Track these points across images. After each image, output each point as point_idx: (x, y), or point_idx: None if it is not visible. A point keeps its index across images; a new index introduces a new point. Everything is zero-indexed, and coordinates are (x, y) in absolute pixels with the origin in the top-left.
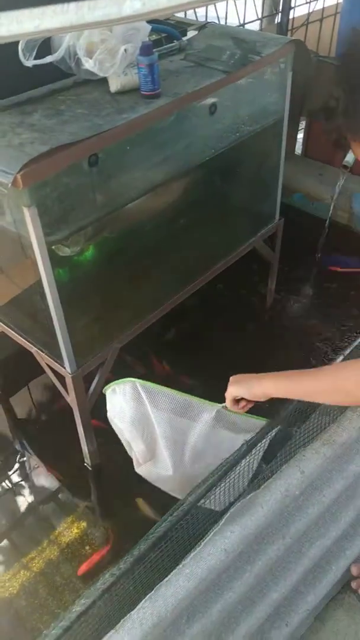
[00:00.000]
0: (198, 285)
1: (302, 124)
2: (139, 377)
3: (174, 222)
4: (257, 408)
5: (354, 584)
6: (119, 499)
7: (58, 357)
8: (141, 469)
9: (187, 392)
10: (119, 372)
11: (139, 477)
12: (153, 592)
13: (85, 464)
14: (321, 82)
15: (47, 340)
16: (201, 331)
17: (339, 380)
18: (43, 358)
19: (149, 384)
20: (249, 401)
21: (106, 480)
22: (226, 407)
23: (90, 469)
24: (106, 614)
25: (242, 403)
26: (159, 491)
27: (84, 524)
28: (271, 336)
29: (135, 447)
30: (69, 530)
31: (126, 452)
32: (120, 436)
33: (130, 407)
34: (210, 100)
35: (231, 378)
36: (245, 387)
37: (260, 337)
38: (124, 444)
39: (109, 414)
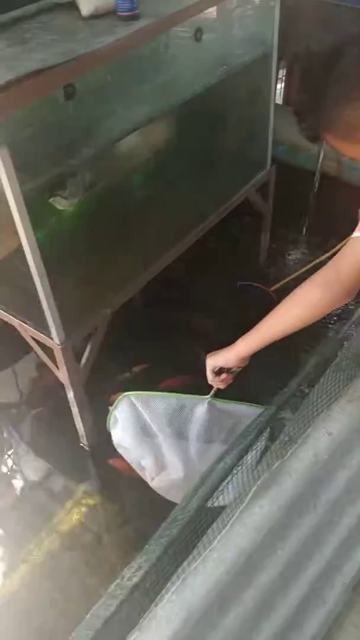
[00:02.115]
0: (191, 240)
1: (281, 72)
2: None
3: (162, 170)
4: None
5: None
6: (120, 479)
7: (44, 328)
8: (154, 482)
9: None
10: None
11: None
12: (180, 582)
13: (81, 445)
14: (303, 24)
15: (31, 310)
16: (193, 293)
17: (303, 301)
18: (27, 330)
19: (141, 393)
20: (228, 373)
21: (106, 461)
22: (213, 396)
23: (87, 449)
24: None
25: (222, 375)
26: None
27: (84, 510)
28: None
29: (144, 464)
30: (69, 517)
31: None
32: (129, 460)
33: (131, 423)
34: (196, 25)
35: (210, 355)
36: (219, 356)
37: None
38: (135, 468)
39: (115, 441)
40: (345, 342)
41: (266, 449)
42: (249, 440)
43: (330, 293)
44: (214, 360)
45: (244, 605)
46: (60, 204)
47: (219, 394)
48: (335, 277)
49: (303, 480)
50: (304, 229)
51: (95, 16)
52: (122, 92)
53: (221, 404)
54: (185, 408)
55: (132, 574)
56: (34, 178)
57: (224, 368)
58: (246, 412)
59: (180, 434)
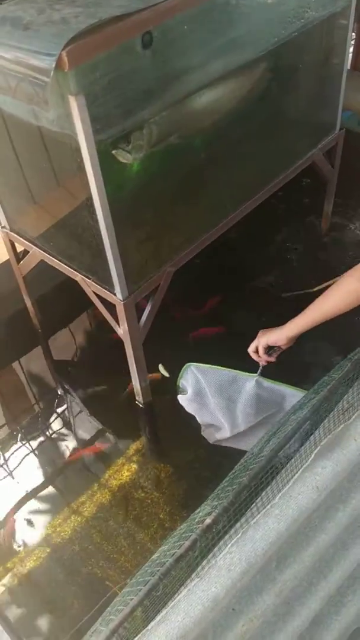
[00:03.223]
0: (257, 202)
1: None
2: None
3: (231, 129)
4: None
5: None
6: (172, 438)
7: (107, 283)
8: (205, 432)
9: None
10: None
11: (192, 415)
12: (240, 535)
13: (136, 402)
14: None
15: (95, 265)
16: (248, 260)
17: (341, 289)
18: (90, 286)
19: (200, 364)
20: (272, 353)
21: (158, 419)
22: (261, 375)
23: (142, 406)
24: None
25: (269, 356)
26: None
27: (135, 466)
28: (327, 266)
29: (199, 418)
30: (120, 473)
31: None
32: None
33: (192, 388)
34: None
35: (260, 333)
36: (271, 335)
37: (312, 267)
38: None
39: (180, 398)
40: None
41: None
42: (322, 395)
43: None
44: (267, 339)
45: (302, 562)
46: (124, 157)
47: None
48: None
49: None
50: None
51: None
52: (197, 44)
53: (267, 383)
54: (236, 382)
55: (202, 516)
56: (105, 129)
57: (271, 347)
58: (290, 393)
59: (229, 403)
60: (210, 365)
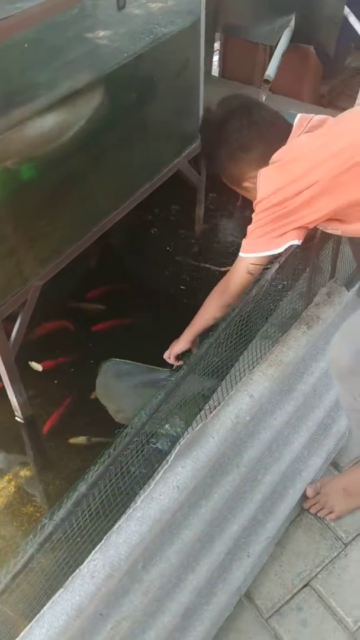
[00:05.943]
0: (122, 213)
1: (217, 45)
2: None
3: (91, 141)
4: None
5: (306, 505)
6: (56, 450)
7: None
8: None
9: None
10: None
11: (75, 425)
12: (103, 541)
13: (16, 418)
14: None
15: None
16: (127, 270)
17: (209, 303)
18: None
19: (122, 360)
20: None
21: (41, 431)
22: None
23: (22, 421)
24: (51, 571)
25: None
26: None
27: (21, 482)
28: (202, 269)
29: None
30: (6, 490)
31: (59, 401)
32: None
33: (105, 379)
34: None
35: (172, 344)
36: (176, 346)
37: (191, 270)
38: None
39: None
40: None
41: None
42: (161, 398)
43: (222, 300)
44: (178, 348)
45: (168, 560)
46: None
47: None
48: (224, 288)
49: (225, 441)
50: (237, 203)
51: None
52: (43, 60)
53: None
54: (153, 372)
55: (40, 528)
56: None
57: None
58: None
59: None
60: (131, 361)
